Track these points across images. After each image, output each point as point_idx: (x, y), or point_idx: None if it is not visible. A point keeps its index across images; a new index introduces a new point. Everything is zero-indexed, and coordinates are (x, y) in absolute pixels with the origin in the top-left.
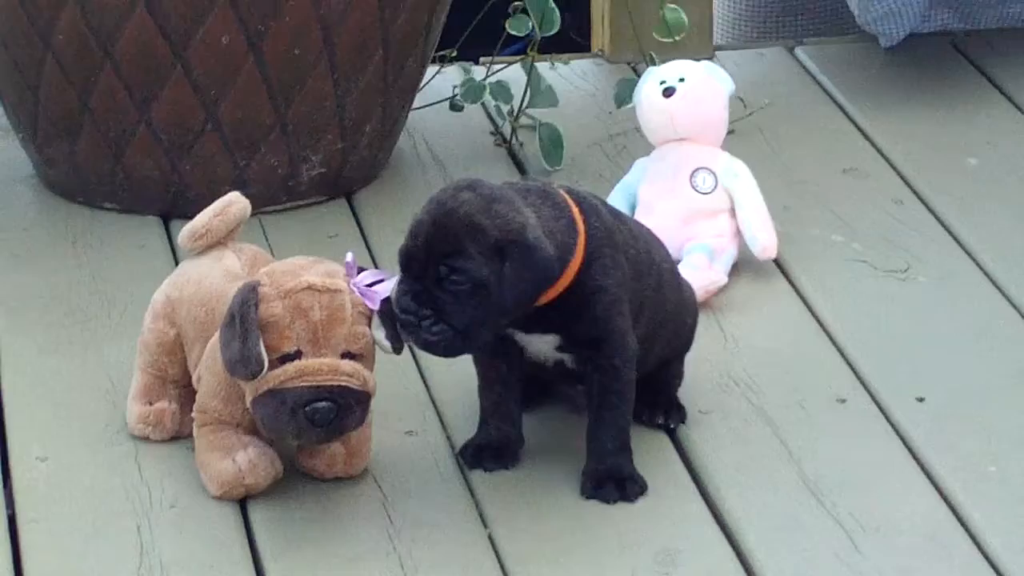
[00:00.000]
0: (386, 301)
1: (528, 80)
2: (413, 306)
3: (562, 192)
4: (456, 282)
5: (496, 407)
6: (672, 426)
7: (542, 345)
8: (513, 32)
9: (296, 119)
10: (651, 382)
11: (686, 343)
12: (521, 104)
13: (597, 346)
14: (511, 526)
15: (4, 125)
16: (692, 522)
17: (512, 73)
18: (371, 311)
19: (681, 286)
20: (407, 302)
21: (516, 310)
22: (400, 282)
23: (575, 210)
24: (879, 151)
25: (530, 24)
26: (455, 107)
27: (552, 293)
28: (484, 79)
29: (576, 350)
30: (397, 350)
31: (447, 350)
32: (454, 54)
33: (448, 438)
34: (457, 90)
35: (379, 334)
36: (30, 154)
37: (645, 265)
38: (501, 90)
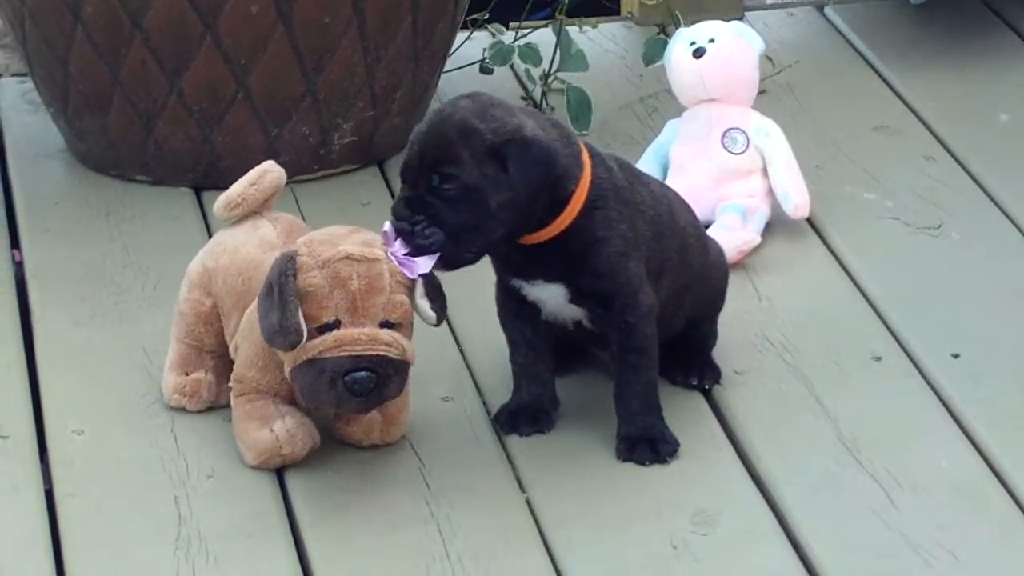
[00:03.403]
0: (430, 273)
1: (557, 44)
2: (407, 213)
3: (578, 139)
4: (447, 190)
5: (525, 371)
6: (707, 387)
7: (551, 299)
8: None
9: (327, 87)
10: (685, 343)
11: (715, 305)
12: (550, 68)
13: (607, 302)
14: (548, 489)
15: (35, 99)
16: (729, 482)
17: (543, 38)
18: (410, 280)
19: (707, 249)
20: (401, 209)
21: (524, 209)
22: (400, 192)
23: (585, 154)
24: (910, 108)
25: None
26: (484, 70)
27: (548, 233)
28: (513, 42)
29: (586, 304)
30: (439, 321)
31: (441, 253)
32: (486, 16)
33: (484, 403)
34: (486, 53)
35: (423, 304)
36: (61, 128)
37: (668, 228)
38: (530, 53)
